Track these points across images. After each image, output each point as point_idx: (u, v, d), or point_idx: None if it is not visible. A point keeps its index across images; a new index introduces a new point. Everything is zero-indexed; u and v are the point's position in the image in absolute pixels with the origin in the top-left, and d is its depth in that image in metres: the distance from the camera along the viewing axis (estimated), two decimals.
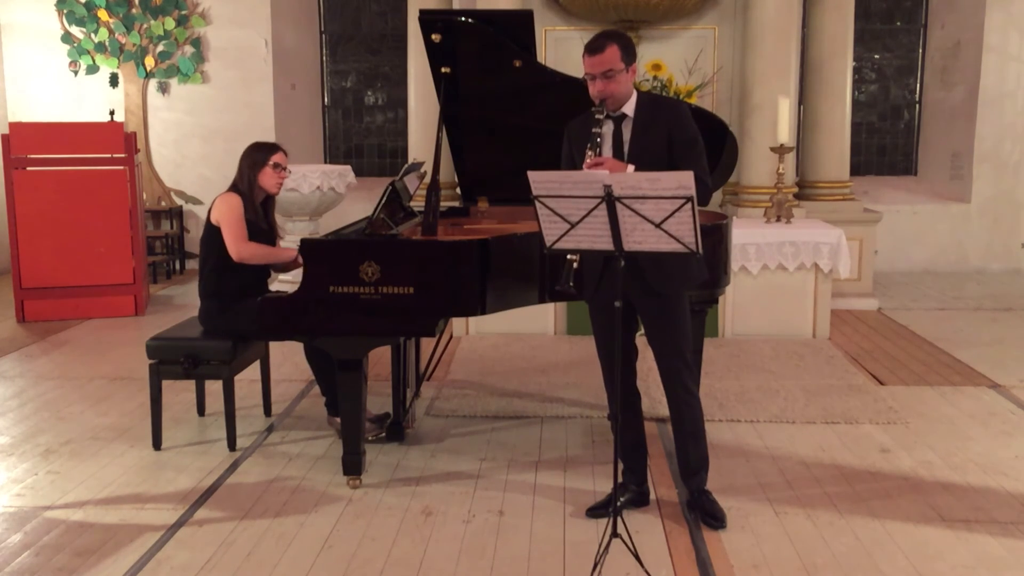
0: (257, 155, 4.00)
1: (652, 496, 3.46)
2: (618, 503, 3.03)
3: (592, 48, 3.02)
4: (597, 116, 3.02)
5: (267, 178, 4.00)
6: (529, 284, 3.68)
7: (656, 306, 3.16)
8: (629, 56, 3.05)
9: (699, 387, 3.29)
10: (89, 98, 8.96)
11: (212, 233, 3.93)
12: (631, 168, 2.97)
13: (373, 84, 9.72)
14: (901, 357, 5.59)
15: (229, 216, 3.89)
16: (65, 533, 3.21)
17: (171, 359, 3.96)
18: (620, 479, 3.29)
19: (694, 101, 6.99)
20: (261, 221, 4.04)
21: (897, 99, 9.42)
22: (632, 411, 3.36)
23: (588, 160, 2.94)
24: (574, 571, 2.91)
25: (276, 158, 4.01)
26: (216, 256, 3.92)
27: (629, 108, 3.11)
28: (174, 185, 9.13)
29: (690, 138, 3.09)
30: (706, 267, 3.35)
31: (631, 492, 3.37)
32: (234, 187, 4.01)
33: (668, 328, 3.18)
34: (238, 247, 3.88)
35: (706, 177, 3.07)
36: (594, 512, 3.31)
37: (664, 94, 7.04)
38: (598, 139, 3.00)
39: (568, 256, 2.87)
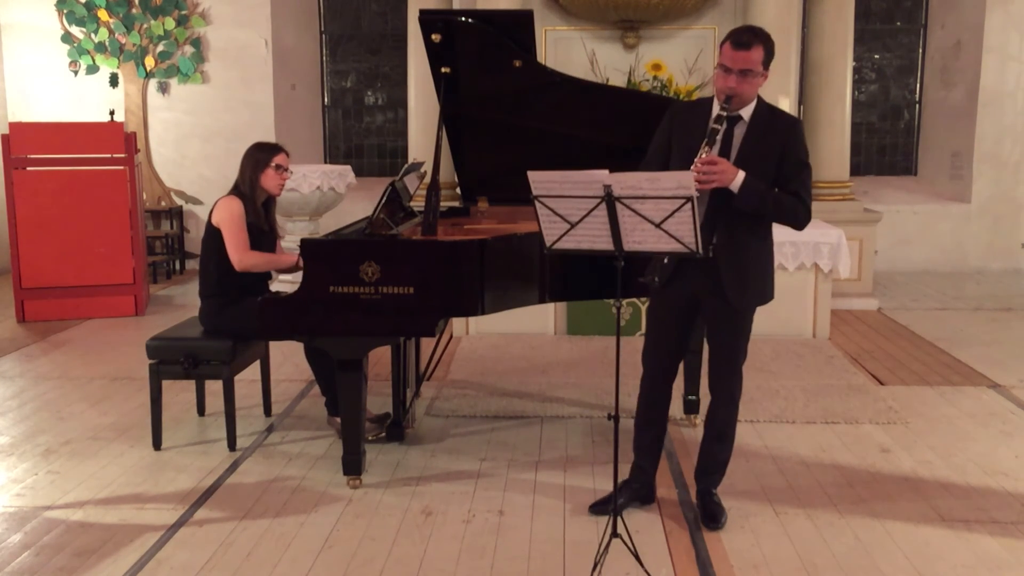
0: (259, 156, 4.02)
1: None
2: (623, 499, 3.09)
3: (738, 42, 2.93)
4: (721, 113, 2.94)
5: (269, 179, 4.02)
6: (529, 284, 3.68)
7: (725, 317, 3.15)
8: (769, 60, 2.97)
9: (742, 394, 3.31)
10: (89, 98, 8.95)
11: (213, 235, 3.95)
12: (741, 175, 2.92)
13: (373, 84, 9.72)
14: (901, 357, 5.59)
15: (230, 223, 3.90)
16: (65, 533, 3.21)
17: (171, 359, 3.96)
18: (628, 475, 3.37)
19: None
20: (263, 222, 4.06)
21: (897, 99, 9.42)
22: (661, 410, 3.38)
23: (703, 156, 2.88)
24: (574, 571, 2.91)
25: (278, 159, 4.02)
26: (217, 258, 3.94)
27: (747, 112, 3.03)
28: (174, 185, 9.13)
29: (803, 161, 3.05)
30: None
31: (635, 489, 3.38)
32: (235, 189, 4.02)
33: (730, 338, 3.19)
34: (240, 256, 3.90)
35: (809, 199, 3.05)
36: (597, 508, 3.31)
37: (664, 94, 7.04)
38: (716, 136, 2.93)
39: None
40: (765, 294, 3.18)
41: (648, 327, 3.31)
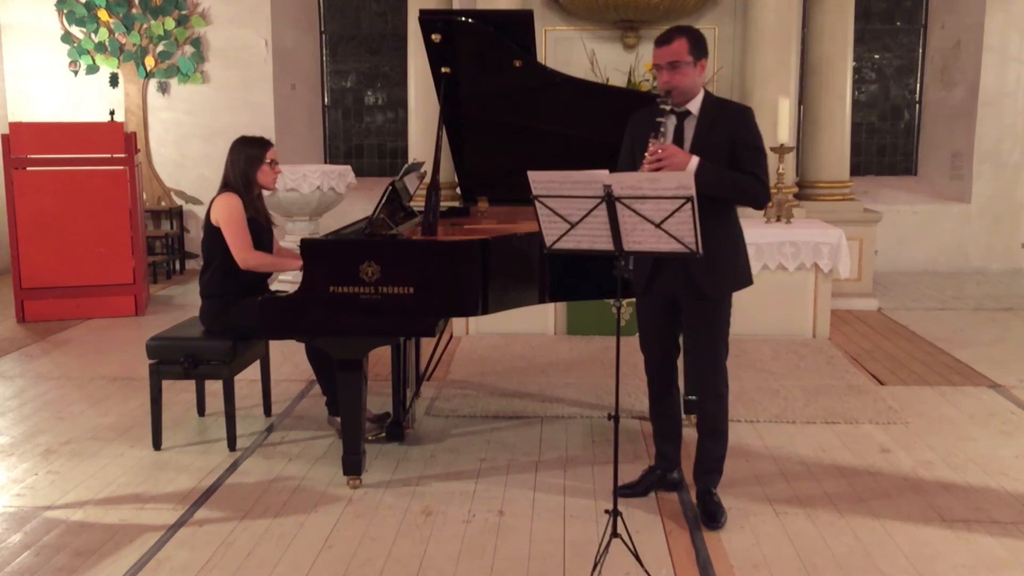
0: (252, 152, 3.98)
1: (653, 496, 3.47)
2: (647, 484, 3.36)
3: (660, 40, 3.08)
4: (663, 107, 3.03)
5: (265, 175, 4.00)
6: (529, 284, 3.68)
7: (699, 307, 3.18)
8: (698, 51, 3.06)
9: (728, 389, 3.31)
10: (89, 98, 8.96)
11: (213, 234, 3.93)
12: (695, 159, 2.98)
13: (373, 84, 9.72)
14: (901, 357, 5.59)
15: (231, 221, 3.87)
16: (65, 533, 3.21)
17: (171, 359, 3.96)
18: (653, 462, 3.52)
19: None
20: (262, 219, 4.06)
21: (897, 99, 9.42)
22: (671, 401, 3.45)
23: (651, 148, 2.95)
24: (574, 571, 2.91)
25: (271, 154, 4.01)
26: (221, 257, 3.92)
27: (694, 106, 3.12)
28: (174, 185, 9.13)
29: (755, 144, 3.10)
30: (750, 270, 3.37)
31: (659, 475, 3.49)
32: (227, 185, 3.98)
33: (707, 331, 3.21)
34: (245, 255, 3.87)
35: (766, 178, 3.11)
36: (624, 492, 3.36)
37: None
38: (662, 128, 3.01)
39: None
40: (738, 279, 3.22)
41: (638, 324, 3.39)
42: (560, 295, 3.83)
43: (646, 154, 2.95)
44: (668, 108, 3.04)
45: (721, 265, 3.12)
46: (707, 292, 3.13)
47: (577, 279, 3.77)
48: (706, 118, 3.10)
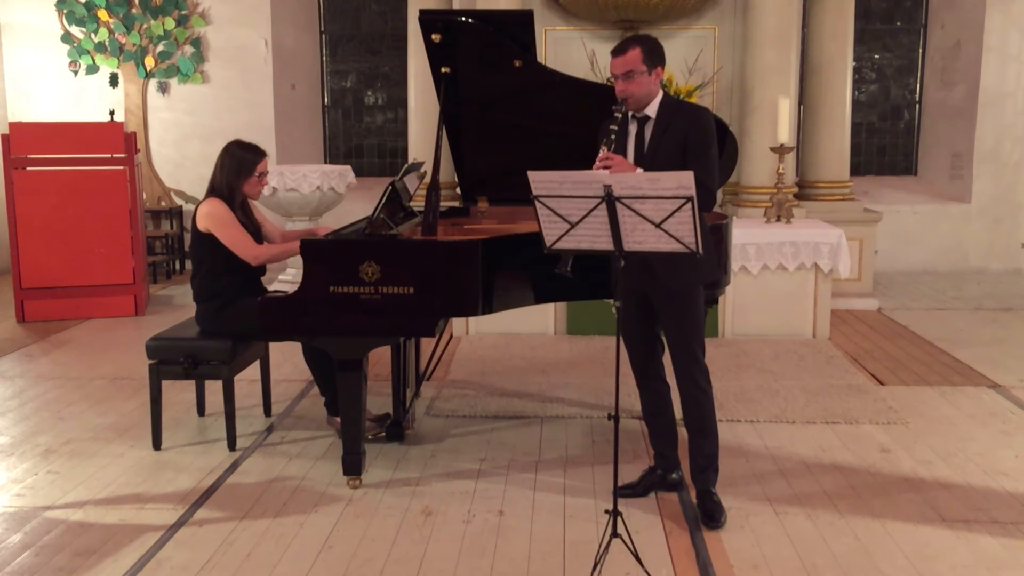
0: (243, 164, 3.90)
1: (653, 496, 3.47)
2: (647, 484, 3.38)
3: (616, 50, 3.17)
4: (616, 114, 3.10)
5: (251, 187, 3.95)
6: (529, 284, 3.68)
7: (668, 301, 3.23)
8: (652, 60, 3.15)
9: (711, 384, 3.32)
10: (89, 98, 8.96)
11: (201, 240, 3.90)
12: (638, 172, 3.00)
13: (373, 84, 9.72)
14: (901, 357, 5.59)
15: (225, 227, 3.83)
16: (65, 533, 3.21)
17: (171, 359, 3.96)
18: (652, 463, 3.53)
19: (694, 101, 6.98)
20: (248, 223, 4.01)
21: (897, 99, 9.42)
22: (660, 400, 3.46)
23: (600, 155, 3.02)
24: (574, 571, 2.91)
25: (261, 167, 3.95)
26: (210, 262, 3.90)
27: (652, 110, 3.21)
28: (174, 185, 9.13)
29: (702, 143, 3.15)
30: (716, 264, 3.41)
31: (659, 475, 3.49)
32: (213, 191, 3.93)
33: (678, 323, 3.24)
34: (253, 254, 3.86)
35: (709, 181, 3.12)
36: (624, 492, 3.36)
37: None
38: (612, 135, 3.07)
39: None
40: (702, 273, 3.25)
41: (620, 321, 3.39)
42: (559, 295, 3.83)
43: (597, 160, 3.02)
44: (620, 115, 3.12)
45: (682, 259, 3.10)
46: (668, 285, 3.17)
47: (575, 279, 3.76)
48: (662, 121, 3.19)
